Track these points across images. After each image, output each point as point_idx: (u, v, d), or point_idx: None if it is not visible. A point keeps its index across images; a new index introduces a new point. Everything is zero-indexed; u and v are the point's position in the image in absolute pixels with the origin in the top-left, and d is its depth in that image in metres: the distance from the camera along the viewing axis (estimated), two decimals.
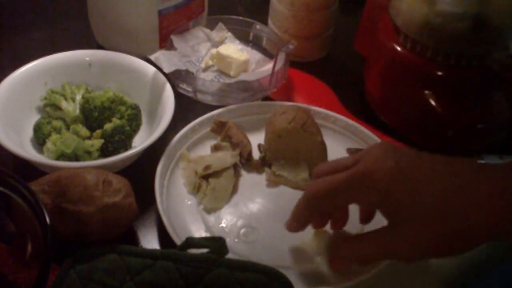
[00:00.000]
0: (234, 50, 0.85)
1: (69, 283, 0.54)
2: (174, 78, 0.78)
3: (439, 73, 0.74)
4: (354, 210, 0.70)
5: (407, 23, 0.74)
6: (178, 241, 0.61)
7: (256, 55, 0.88)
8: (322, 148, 0.72)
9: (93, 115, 0.73)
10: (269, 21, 0.92)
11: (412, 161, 0.54)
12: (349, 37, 0.94)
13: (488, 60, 0.72)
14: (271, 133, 0.72)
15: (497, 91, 0.76)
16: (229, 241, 0.62)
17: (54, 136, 0.70)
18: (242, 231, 0.66)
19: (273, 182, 0.72)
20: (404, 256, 0.55)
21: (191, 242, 0.57)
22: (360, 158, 0.56)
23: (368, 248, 0.56)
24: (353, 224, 0.68)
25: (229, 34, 0.89)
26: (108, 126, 0.71)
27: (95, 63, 0.79)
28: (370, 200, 0.55)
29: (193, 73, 0.80)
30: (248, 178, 0.73)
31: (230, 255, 0.57)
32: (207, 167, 0.70)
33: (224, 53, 0.84)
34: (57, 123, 0.73)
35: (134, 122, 0.74)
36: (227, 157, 0.71)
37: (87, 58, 0.79)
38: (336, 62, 0.94)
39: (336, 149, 0.75)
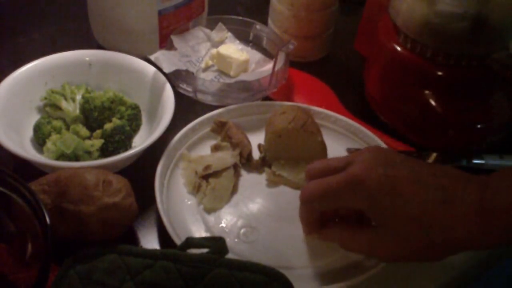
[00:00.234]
0: (234, 50, 0.85)
1: (69, 283, 0.54)
2: (174, 78, 0.78)
3: (439, 73, 0.74)
4: None
5: (407, 23, 0.74)
6: (178, 241, 0.61)
7: (256, 55, 0.88)
8: (322, 148, 0.72)
9: (93, 115, 0.73)
10: (269, 21, 0.92)
11: (399, 171, 0.55)
12: (349, 37, 0.93)
13: (488, 60, 0.72)
14: (271, 133, 0.72)
15: (497, 91, 0.76)
16: (229, 241, 0.62)
17: (54, 136, 0.70)
18: (242, 231, 0.66)
19: (273, 182, 0.72)
20: (381, 258, 0.59)
21: (191, 242, 0.57)
22: (351, 160, 0.58)
23: (350, 242, 0.59)
24: None
25: (229, 34, 0.89)
26: (108, 126, 0.71)
27: (95, 63, 0.79)
28: (359, 205, 0.57)
29: (193, 73, 0.80)
30: (248, 178, 0.73)
31: (230, 255, 0.57)
32: (207, 167, 0.70)
33: (224, 53, 0.84)
34: (57, 123, 0.73)
35: (134, 122, 0.74)
36: (227, 157, 0.71)
37: (87, 58, 0.79)
38: (336, 62, 0.94)
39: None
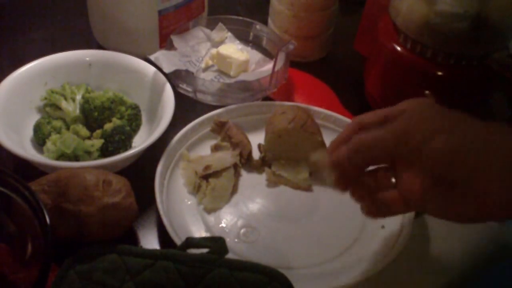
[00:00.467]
0: (234, 50, 0.85)
1: (69, 283, 0.54)
2: (174, 78, 0.78)
3: (439, 73, 0.74)
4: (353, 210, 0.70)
5: (407, 23, 0.74)
6: (178, 241, 0.61)
7: (256, 55, 0.88)
8: (322, 148, 0.72)
9: (93, 115, 0.73)
10: (269, 21, 0.92)
11: (465, 136, 0.49)
12: (349, 37, 0.93)
13: (488, 60, 0.72)
14: (271, 133, 0.72)
15: (497, 91, 0.76)
16: (229, 241, 0.62)
17: (54, 136, 0.70)
18: (242, 231, 0.66)
19: (273, 182, 0.72)
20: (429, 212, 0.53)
21: (191, 242, 0.57)
22: (396, 113, 0.53)
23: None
24: (353, 222, 0.68)
25: (229, 34, 0.89)
26: (108, 126, 0.71)
27: (95, 63, 0.79)
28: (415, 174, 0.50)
29: (193, 73, 0.80)
30: (248, 178, 0.73)
31: (230, 255, 0.57)
32: (207, 167, 0.70)
33: (224, 53, 0.84)
34: (57, 123, 0.73)
35: (134, 122, 0.74)
36: (227, 157, 0.71)
37: (87, 58, 0.79)
38: (336, 62, 0.94)
39: None
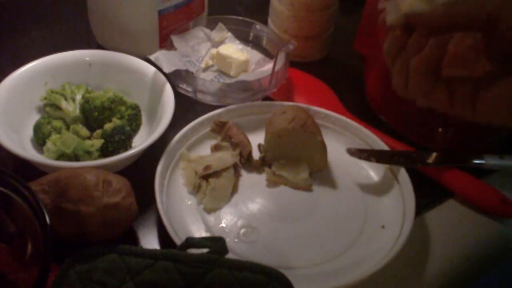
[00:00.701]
0: (234, 50, 0.85)
1: (69, 283, 0.54)
2: (174, 78, 0.78)
3: None
4: (353, 210, 0.70)
5: None
6: (178, 241, 0.61)
7: (256, 55, 0.88)
8: (322, 148, 0.72)
9: (93, 115, 0.73)
10: (269, 21, 0.92)
11: None
12: (349, 37, 0.93)
13: None
14: (271, 133, 0.72)
15: None
16: (229, 241, 0.62)
17: (54, 136, 0.70)
18: (242, 231, 0.66)
19: (273, 182, 0.72)
20: None
21: (191, 242, 0.57)
22: None
23: None
24: (353, 222, 0.68)
25: (229, 34, 0.89)
26: (108, 126, 0.71)
27: (95, 63, 0.79)
28: None
29: (193, 73, 0.80)
30: (248, 178, 0.73)
31: (230, 255, 0.57)
32: (207, 167, 0.70)
33: (224, 53, 0.84)
34: (57, 123, 0.73)
35: (134, 122, 0.74)
36: (227, 157, 0.71)
37: (87, 58, 0.79)
38: (336, 62, 0.94)
39: (336, 149, 0.75)
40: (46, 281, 0.49)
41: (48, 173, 0.62)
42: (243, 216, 0.68)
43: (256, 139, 0.76)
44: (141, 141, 0.72)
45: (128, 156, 0.67)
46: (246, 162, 0.73)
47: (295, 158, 0.73)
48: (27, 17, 0.97)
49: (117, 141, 0.70)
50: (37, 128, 0.72)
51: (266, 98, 0.82)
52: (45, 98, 0.75)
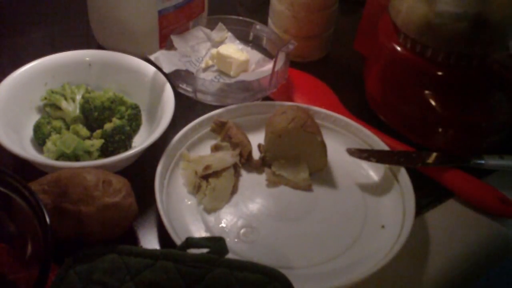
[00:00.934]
0: (234, 50, 0.85)
1: (69, 283, 0.54)
2: (174, 78, 0.78)
3: (439, 73, 0.74)
4: (353, 210, 0.70)
5: (407, 23, 0.74)
6: (178, 241, 0.61)
7: (256, 55, 0.88)
8: (322, 148, 0.72)
9: (93, 115, 0.73)
10: (269, 21, 0.92)
11: None
12: (349, 37, 0.93)
13: (488, 60, 0.72)
14: (271, 133, 0.72)
15: (497, 91, 0.76)
16: (229, 241, 0.62)
17: (54, 136, 0.70)
18: (242, 231, 0.66)
19: (273, 182, 0.72)
20: None
21: (191, 242, 0.57)
22: None
23: None
24: (353, 222, 0.68)
25: (229, 34, 0.89)
26: (108, 126, 0.71)
27: (95, 63, 0.79)
28: None
29: (193, 73, 0.80)
30: (248, 178, 0.73)
31: (230, 255, 0.57)
32: (207, 167, 0.70)
33: (224, 53, 0.84)
34: (57, 123, 0.73)
35: (134, 122, 0.74)
36: (227, 157, 0.71)
37: (87, 58, 0.79)
38: (336, 62, 0.94)
39: (336, 149, 0.75)
40: (46, 281, 0.49)
41: (48, 173, 0.62)
42: (243, 216, 0.68)
43: (256, 139, 0.76)
44: (141, 141, 0.72)
45: (128, 156, 0.67)
46: (246, 162, 0.73)
47: (295, 158, 0.73)
48: (27, 17, 0.97)
49: (117, 141, 0.70)
50: (37, 128, 0.72)
51: (266, 98, 0.82)
52: (45, 98, 0.75)
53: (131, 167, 0.71)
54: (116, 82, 0.79)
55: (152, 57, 0.77)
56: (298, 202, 0.70)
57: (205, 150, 0.75)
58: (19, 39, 0.92)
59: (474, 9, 0.69)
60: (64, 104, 0.74)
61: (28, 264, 0.55)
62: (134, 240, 0.65)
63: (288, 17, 0.88)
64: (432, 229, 0.69)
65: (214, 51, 0.86)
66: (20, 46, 0.91)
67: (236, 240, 0.65)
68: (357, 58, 0.90)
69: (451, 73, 0.73)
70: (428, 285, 0.64)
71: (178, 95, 0.75)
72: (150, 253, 0.56)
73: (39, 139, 0.72)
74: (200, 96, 0.79)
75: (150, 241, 0.66)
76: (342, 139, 0.77)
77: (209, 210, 0.68)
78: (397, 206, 0.69)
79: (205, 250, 0.56)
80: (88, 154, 0.69)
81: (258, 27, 0.89)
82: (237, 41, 0.89)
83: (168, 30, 0.85)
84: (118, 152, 0.69)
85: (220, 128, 0.74)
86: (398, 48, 0.76)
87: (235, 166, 0.72)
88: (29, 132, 0.73)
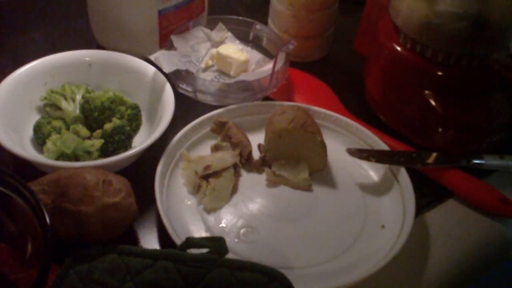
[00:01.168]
0: (234, 50, 0.85)
1: (69, 283, 0.54)
2: (174, 78, 0.78)
3: (439, 73, 0.74)
4: (353, 210, 0.70)
5: (407, 23, 0.74)
6: (178, 241, 0.61)
7: (256, 55, 0.88)
8: (322, 148, 0.72)
9: (93, 115, 0.73)
10: (269, 21, 0.92)
11: None
12: (349, 37, 0.94)
13: (488, 60, 0.72)
14: (271, 133, 0.72)
15: (497, 91, 0.76)
16: (229, 241, 0.62)
17: (54, 136, 0.70)
18: (242, 231, 0.66)
19: (273, 182, 0.72)
20: None
21: (191, 242, 0.57)
22: None
23: None
24: (353, 222, 0.68)
25: (229, 34, 0.89)
26: (108, 126, 0.71)
27: (95, 63, 0.79)
28: None
29: (193, 73, 0.80)
30: (248, 178, 0.73)
31: (230, 255, 0.57)
32: (207, 167, 0.70)
33: (224, 53, 0.84)
34: (57, 123, 0.73)
35: (134, 122, 0.74)
36: (227, 157, 0.71)
37: (87, 58, 0.79)
38: (336, 62, 0.94)
39: (336, 149, 0.75)
40: (46, 281, 0.49)
41: (48, 173, 0.62)
42: (243, 216, 0.68)
43: (256, 139, 0.76)
44: (141, 141, 0.72)
45: (128, 156, 0.67)
46: (246, 162, 0.73)
47: (295, 158, 0.73)
48: (27, 17, 0.97)
49: (117, 141, 0.70)
50: (37, 128, 0.72)
51: (266, 98, 0.82)
52: (45, 98, 0.75)
53: (131, 167, 0.71)
54: (116, 82, 0.79)
55: (152, 57, 0.77)
56: (298, 202, 0.70)
57: (205, 150, 0.75)
58: (19, 39, 0.92)
59: (474, 9, 0.69)
60: (64, 104, 0.74)
61: (28, 264, 0.55)
62: (134, 240, 0.65)
63: (288, 17, 0.88)
64: (432, 229, 0.69)
65: (214, 51, 0.86)
66: (20, 46, 0.91)
67: (236, 240, 0.65)
68: (357, 58, 0.90)
69: (451, 73, 0.73)
70: (428, 285, 0.64)
71: (178, 95, 0.75)
72: (150, 253, 0.56)
73: (39, 139, 0.72)
74: (200, 96, 0.79)
75: (150, 241, 0.66)
76: (342, 139, 0.77)
77: (209, 210, 0.68)
78: (397, 206, 0.69)
79: (205, 250, 0.56)
80: (88, 154, 0.69)
81: (258, 27, 0.89)
82: (237, 41, 0.89)
83: (168, 30, 0.85)
84: (118, 152, 0.69)
85: (220, 128, 0.74)
86: (398, 48, 0.76)
87: (235, 166, 0.72)
88: (29, 132, 0.73)
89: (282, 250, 0.65)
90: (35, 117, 0.75)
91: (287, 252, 0.64)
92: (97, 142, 0.69)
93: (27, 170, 0.67)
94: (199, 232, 0.66)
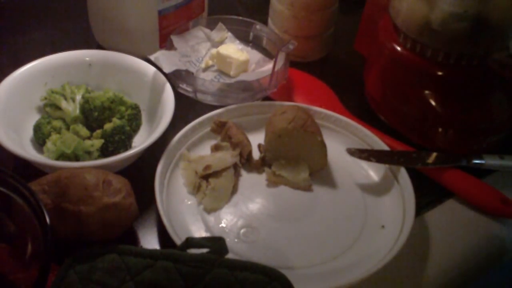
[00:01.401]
0: (234, 50, 0.85)
1: (69, 283, 0.54)
2: (174, 78, 0.78)
3: (439, 73, 0.74)
4: (353, 210, 0.70)
5: (407, 23, 0.74)
6: (178, 241, 0.61)
7: (256, 55, 0.88)
8: (322, 148, 0.72)
9: (93, 115, 0.73)
10: (269, 21, 0.92)
11: None
12: (349, 37, 0.93)
13: (488, 60, 0.72)
14: (271, 133, 0.72)
15: (497, 91, 0.76)
16: (229, 241, 0.62)
17: (54, 136, 0.70)
18: (242, 231, 0.66)
19: (273, 182, 0.72)
20: None
21: (191, 242, 0.57)
22: None
23: None
24: (353, 222, 0.68)
25: (229, 34, 0.89)
26: (108, 126, 0.71)
27: (95, 63, 0.79)
28: None
29: (193, 73, 0.80)
30: (248, 178, 0.73)
31: (230, 255, 0.57)
32: (207, 167, 0.70)
33: (224, 53, 0.84)
34: (57, 123, 0.73)
35: (134, 122, 0.74)
36: (227, 157, 0.71)
37: (87, 58, 0.79)
38: (336, 62, 0.94)
39: (336, 149, 0.75)
40: (46, 281, 0.49)
41: (48, 173, 0.62)
42: (243, 216, 0.68)
43: (256, 139, 0.76)
44: (141, 141, 0.72)
45: (128, 156, 0.67)
46: (246, 162, 0.73)
47: (295, 158, 0.73)
48: (27, 17, 0.97)
49: (117, 141, 0.70)
50: (37, 128, 0.72)
51: (266, 98, 0.82)
52: (45, 98, 0.75)
53: (131, 167, 0.71)
54: (116, 82, 0.79)
55: (152, 57, 0.77)
56: (298, 202, 0.70)
57: (205, 150, 0.75)
58: (19, 39, 0.92)
59: (474, 9, 0.69)
60: (64, 104, 0.74)
61: (28, 264, 0.55)
62: (134, 240, 0.65)
63: (288, 17, 0.88)
64: (432, 229, 0.69)
65: (214, 51, 0.86)
66: (20, 46, 0.91)
67: (236, 240, 0.65)
68: (357, 58, 0.90)
69: (451, 73, 0.73)
70: (428, 285, 0.64)
71: (178, 95, 0.75)
72: (150, 253, 0.56)
73: (39, 139, 0.72)
74: (200, 96, 0.79)
75: (150, 241, 0.66)
76: (342, 139, 0.77)
77: (209, 210, 0.68)
78: (397, 206, 0.69)
79: (205, 250, 0.56)
80: (88, 154, 0.69)
81: (258, 27, 0.89)
82: (237, 41, 0.89)
83: (168, 30, 0.85)
84: (118, 152, 0.69)
85: (220, 128, 0.74)
86: (398, 48, 0.76)
87: (235, 166, 0.72)
88: (29, 132, 0.73)
89: (282, 250, 0.65)
90: (35, 117, 0.75)
91: (287, 252, 0.64)
92: (97, 142, 0.69)
93: (27, 170, 0.67)
94: (199, 232, 0.66)
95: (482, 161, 0.73)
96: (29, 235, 0.55)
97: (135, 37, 0.85)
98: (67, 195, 0.58)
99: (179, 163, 0.72)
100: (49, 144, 0.69)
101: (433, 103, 0.75)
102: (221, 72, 0.86)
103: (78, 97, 0.75)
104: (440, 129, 0.76)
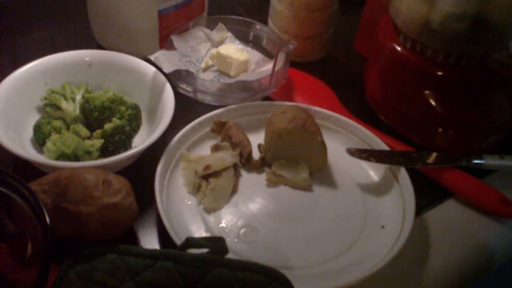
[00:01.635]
0: (234, 50, 0.85)
1: (69, 283, 0.54)
2: (174, 78, 0.78)
3: (439, 73, 0.74)
4: (353, 210, 0.70)
5: (407, 23, 0.74)
6: (178, 241, 0.61)
7: (256, 55, 0.88)
8: (322, 148, 0.72)
9: (93, 115, 0.73)
10: (269, 21, 0.92)
11: None
12: (349, 37, 0.93)
13: (488, 60, 0.72)
14: (271, 133, 0.72)
15: (497, 91, 0.76)
16: (229, 241, 0.62)
17: (54, 136, 0.70)
18: (242, 231, 0.66)
19: (273, 182, 0.72)
20: None
21: (191, 242, 0.57)
22: None
23: None
24: (353, 222, 0.68)
25: (229, 34, 0.89)
26: (108, 126, 0.71)
27: (95, 63, 0.79)
28: None
29: (193, 73, 0.80)
30: (248, 178, 0.73)
31: (230, 255, 0.57)
32: (207, 167, 0.70)
33: (224, 53, 0.84)
34: (57, 123, 0.73)
35: (134, 122, 0.74)
36: (227, 157, 0.71)
37: (87, 58, 0.79)
38: (336, 62, 0.94)
39: (336, 149, 0.75)
40: (46, 281, 0.49)
41: (48, 173, 0.62)
42: (243, 216, 0.68)
43: (256, 139, 0.76)
44: (141, 141, 0.72)
45: (128, 156, 0.67)
46: (246, 162, 0.73)
47: (295, 158, 0.73)
48: (27, 17, 0.97)
49: (117, 141, 0.70)
50: (37, 128, 0.72)
51: (266, 98, 0.82)
52: (45, 98, 0.75)
53: (131, 167, 0.71)
54: (116, 82, 0.79)
55: (152, 57, 0.77)
56: (298, 202, 0.70)
57: (205, 150, 0.75)
58: (19, 39, 0.92)
59: (474, 9, 0.69)
60: (64, 104, 0.74)
61: (28, 264, 0.55)
62: (134, 240, 0.65)
63: (288, 17, 0.88)
64: (432, 229, 0.69)
65: (214, 51, 0.86)
66: (20, 46, 0.91)
67: (236, 240, 0.65)
68: (357, 58, 0.90)
69: (451, 73, 0.73)
70: (428, 285, 0.64)
71: (178, 95, 0.75)
72: (150, 253, 0.56)
73: (39, 139, 0.72)
74: (200, 96, 0.79)
75: (150, 241, 0.66)
76: (342, 139, 0.77)
77: (209, 210, 0.68)
78: (397, 206, 0.69)
79: (205, 250, 0.56)
80: (88, 154, 0.69)
81: (258, 27, 0.89)
82: (237, 41, 0.89)
83: (168, 30, 0.85)
84: (118, 152, 0.69)
85: (220, 128, 0.74)
86: (398, 48, 0.76)
87: (235, 166, 0.72)
88: (29, 132, 0.73)
89: (282, 250, 0.65)
90: (35, 117, 0.75)
91: (287, 252, 0.64)
92: (97, 142, 0.69)
93: (27, 170, 0.67)
94: (199, 232, 0.66)
95: (482, 161, 0.73)
96: (29, 235, 0.55)
97: (135, 37, 0.85)
98: (67, 195, 0.58)
99: (179, 163, 0.72)
100: (49, 144, 0.69)
101: (433, 103, 0.75)
102: (221, 72, 0.86)
103: (78, 97, 0.75)
104: (440, 129, 0.76)
